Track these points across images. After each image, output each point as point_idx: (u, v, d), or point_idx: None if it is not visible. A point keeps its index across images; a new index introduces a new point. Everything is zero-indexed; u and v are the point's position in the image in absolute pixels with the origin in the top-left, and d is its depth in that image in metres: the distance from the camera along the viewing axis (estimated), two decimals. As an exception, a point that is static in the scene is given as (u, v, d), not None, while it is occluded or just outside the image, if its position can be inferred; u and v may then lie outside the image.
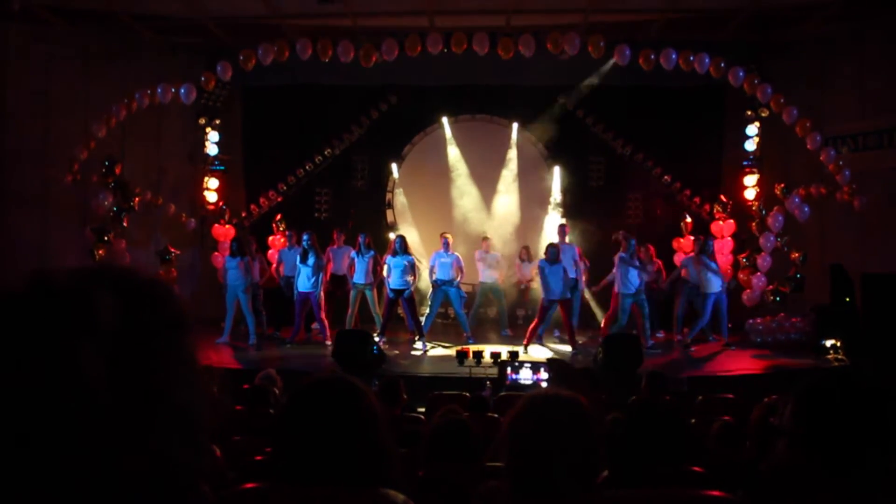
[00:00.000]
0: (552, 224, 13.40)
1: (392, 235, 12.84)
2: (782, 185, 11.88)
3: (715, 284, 11.04)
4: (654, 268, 11.69)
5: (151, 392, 0.77)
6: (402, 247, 11.22)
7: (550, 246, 10.92)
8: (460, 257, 11.74)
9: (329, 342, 10.95)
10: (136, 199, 12.01)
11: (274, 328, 12.30)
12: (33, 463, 0.70)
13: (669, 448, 2.85)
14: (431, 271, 11.63)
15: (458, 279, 11.65)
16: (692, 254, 11.46)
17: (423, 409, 6.56)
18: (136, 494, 0.74)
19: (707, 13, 11.93)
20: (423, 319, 11.56)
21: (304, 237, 11.32)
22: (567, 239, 11.89)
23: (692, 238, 12.01)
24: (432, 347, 11.31)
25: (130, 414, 0.73)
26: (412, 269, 11.23)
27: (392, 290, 11.20)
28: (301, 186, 14.21)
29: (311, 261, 11.22)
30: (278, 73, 12.16)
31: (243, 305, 11.32)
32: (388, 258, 11.33)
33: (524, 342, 10.79)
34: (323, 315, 11.49)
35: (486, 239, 12.73)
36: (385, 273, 11.37)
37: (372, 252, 11.59)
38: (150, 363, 0.78)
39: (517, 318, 12.94)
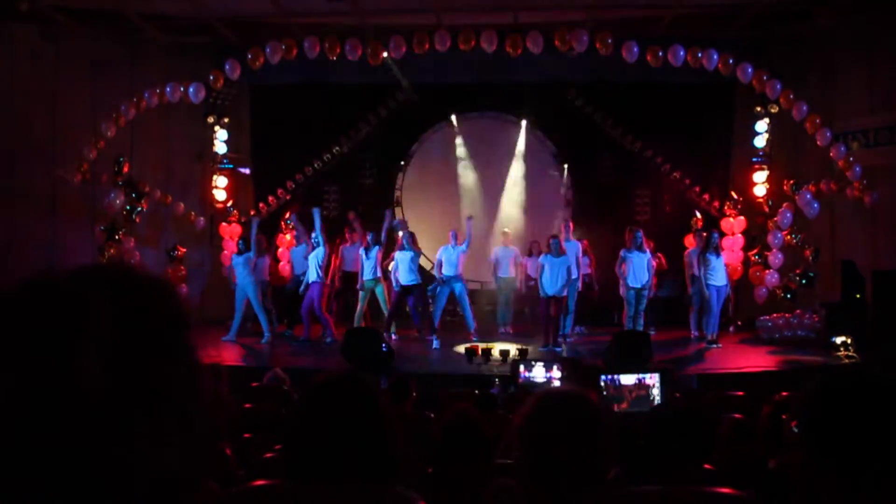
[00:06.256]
0: (560, 221, 13.38)
1: (400, 233, 12.86)
2: (791, 182, 11.85)
3: (719, 277, 10.96)
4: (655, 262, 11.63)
5: (149, 392, 0.76)
6: (410, 243, 11.20)
7: (553, 237, 10.87)
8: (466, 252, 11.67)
9: (329, 339, 11.01)
10: (146, 197, 12.06)
11: (286, 326, 12.32)
12: (31, 465, 0.70)
13: (688, 446, 2.84)
14: (439, 266, 11.56)
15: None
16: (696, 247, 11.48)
17: (432, 407, 6.55)
18: (136, 495, 0.74)
19: (715, 9, 11.91)
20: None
21: (314, 233, 11.36)
22: (571, 235, 11.79)
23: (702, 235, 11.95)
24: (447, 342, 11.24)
25: (129, 414, 0.73)
26: (418, 264, 11.21)
27: (402, 286, 11.17)
28: (309, 184, 14.23)
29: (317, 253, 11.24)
30: (286, 72, 12.17)
31: (254, 303, 11.31)
32: (396, 253, 11.31)
33: (549, 341, 10.69)
34: (324, 310, 11.44)
35: (505, 233, 12.73)
36: (392, 269, 11.36)
37: (377, 247, 11.59)
38: (149, 362, 0.77)
39: (525, 315, 12.92)
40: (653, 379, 7.73)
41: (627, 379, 7.78)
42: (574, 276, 11.29)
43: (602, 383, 7.82)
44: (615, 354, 9.28)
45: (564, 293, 10.84)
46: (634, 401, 7.74)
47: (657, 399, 7.75)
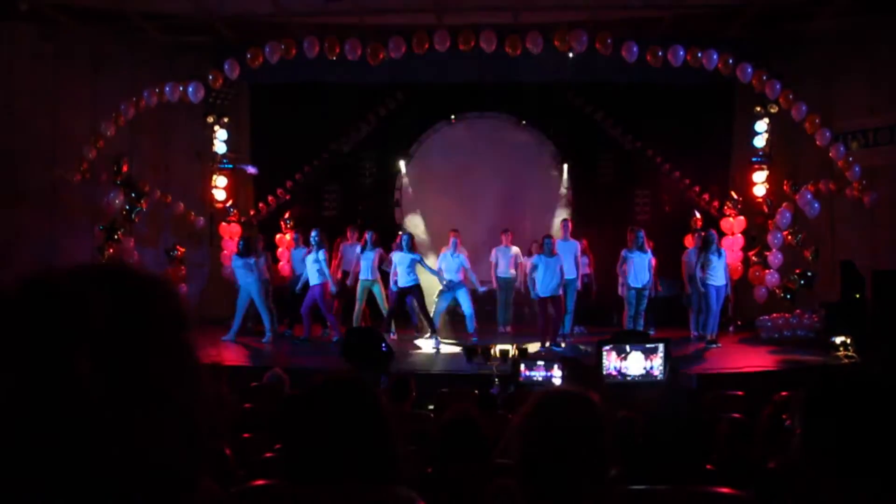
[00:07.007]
0: (560, 221, 13.38)
1: (400, 233, 12.86)
2: (791, 182, 11.85)
3: (718, 277, 10.94)
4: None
5: (149, 391, 0.76)
6: (409, 245, 11.17)
7: (546, 237, 10.88)
8: (466, 259, 11.65)
9: (336, 338, 11.01)
10: (145, 197, 12.06)
11: (286, 326, 12.32)
12: (31, 464, 0.70)
13: (688, 446, 2.84)
14: (440, 271, 11.53)
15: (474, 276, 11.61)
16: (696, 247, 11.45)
17: (431, 407, 6.55)
18: (135, 495, 0.74)
19: (715, 9, 11.89)
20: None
21: (313, 234, 11.35)
22: (570, 235, 11.77)
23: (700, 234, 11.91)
24: (449, 343, 11.21)
25: (128, 414, 0.73)
26: (416, 266, 11.18)
27: (399, 287, 11.15)
28: (309, 184, 14.23)
29: (313, 256, 11.23)
30: (286, 71, 12.17)
31: (258, 302, 11.30)
32: (394, 255, 11.27)
33: (548, 341, 10.72)
34: (328, 310, 11.45)
35: (505, 232, 12.73)
36: (391, 270, 11.34)
37: (377, 248, 11.59)
38: (148, 362, 0.77)
39: (525, 315, 12.92)
40: (658, 352, 7.84)
41: (633, 359, 7.88)
42: (573, 276, 11.29)
43: (604, 352, 7.91)
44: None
45: (560, 292, 10.83)
46: (640, 375, 7.85)
47: (660, 371, 7.83)
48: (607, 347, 8.02)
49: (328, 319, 11.54)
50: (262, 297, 11.33)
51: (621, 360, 7.93)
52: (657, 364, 7.94)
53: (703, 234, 11.35)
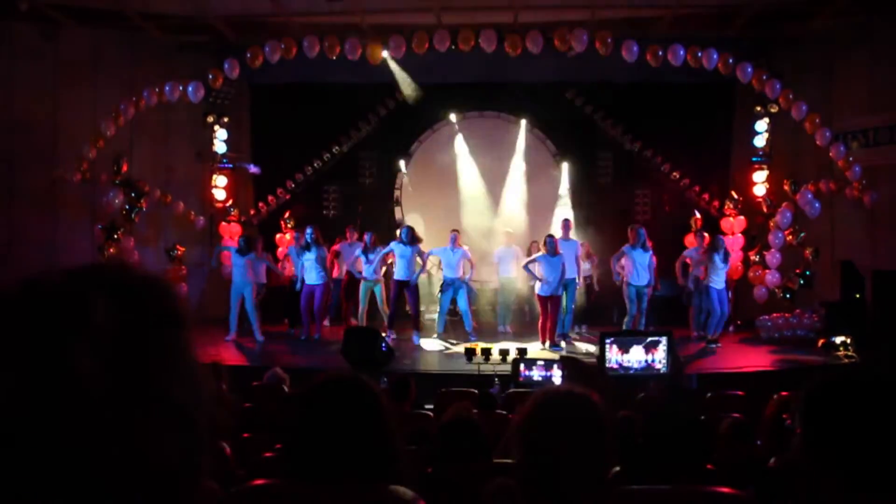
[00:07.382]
0: (559, 221, 13.38)
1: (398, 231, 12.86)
2: (791, 182, 11.85)
3: (720, 281, 10.94)
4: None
5: (149, 391, 0.76)
6: (409, 237, 11.10)
7: (549, 236, 10.89)
8: (468, 251, 11.65)
9: (304, 337, 11.21)
10: (145, 197, 12.06)
11: (288, 325, 12.32)
12: (31, 464, 0.70)
13: (688, 446, 2.84)
14: (427, 259, 11.50)
15: (469, 276, 11.55)
16: (699, 248, 11.43)
17: (431, 406, 6.55)
18: (135, 495, 0.74)
19: (715, 9, 11.89)
20: (434, 317, 11.59)
21: (308, 230, 11.33)
22: (571, 235, 11.75)
23: (705, 235, 11.90)
24: (450, 345, 11.20)
25: (128, 414, 0.73)
26: (417, 258, 11.15)
27: (396, 281, 11.12)
28: (309, 184, 14.23)
29: (313, 254, 11.21)
30: (286, 71, 12.18)
31: (248, 304, 11.28)
32: (394, 246, 11.17)
33: (548, 341, 10.73)
34: (317, 309, 11.47)
35: (507, 233, 12.76)
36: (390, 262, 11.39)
37: (378, 248, 11.59)
38: (147, 362, 0.77)
39: (525, 315, 12.91)
40: (660, 345, 7.86)
41: (634, 352, 7.90)
42: (573, 276, 11.28)
43: (607, 344, 7.93)
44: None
45: (560, 292, 10.83)
46: (641, 368, 7.88)
47: (663, 364, 7.84)
48: (609, 340, 8.05)
49: (307, 317, 11.48)
50: (254, 299, 11.31)
51: (623, 354, 7.98)
52: (659, 357, 7.97)
53: (706, 235, 11.37)
